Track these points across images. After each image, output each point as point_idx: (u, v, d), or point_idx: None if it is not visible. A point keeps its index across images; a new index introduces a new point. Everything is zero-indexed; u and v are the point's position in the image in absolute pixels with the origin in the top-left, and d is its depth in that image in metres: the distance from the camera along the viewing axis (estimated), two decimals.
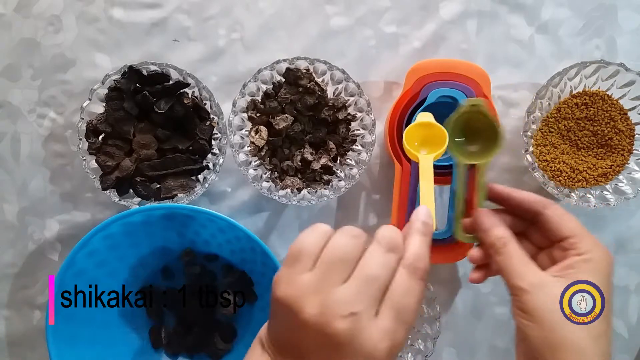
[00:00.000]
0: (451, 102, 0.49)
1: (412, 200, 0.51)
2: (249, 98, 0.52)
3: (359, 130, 0.53)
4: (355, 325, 0.29)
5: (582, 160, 0.54)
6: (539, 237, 0.41)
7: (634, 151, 0.54)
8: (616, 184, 0.54)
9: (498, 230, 0.39)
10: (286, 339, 0.31)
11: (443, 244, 0.51)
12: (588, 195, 0.54)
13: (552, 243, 0.39)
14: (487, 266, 0.42)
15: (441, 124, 0.42)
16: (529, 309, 0.36)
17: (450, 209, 0.51)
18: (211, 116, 0.53)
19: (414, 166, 0.50)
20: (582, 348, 0.35)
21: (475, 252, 0.41)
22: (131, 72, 0.50)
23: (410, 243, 0.33)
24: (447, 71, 0.50)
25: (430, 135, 0.42)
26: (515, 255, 0.38)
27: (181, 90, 0.52)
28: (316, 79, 0.52)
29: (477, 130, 0.41)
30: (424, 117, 0.43)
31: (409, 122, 0.50)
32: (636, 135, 0.53)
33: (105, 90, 0.51)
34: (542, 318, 0.35)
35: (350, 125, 0.53)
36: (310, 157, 0.52)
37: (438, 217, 0.50)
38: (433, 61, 0.51)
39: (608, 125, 0.53)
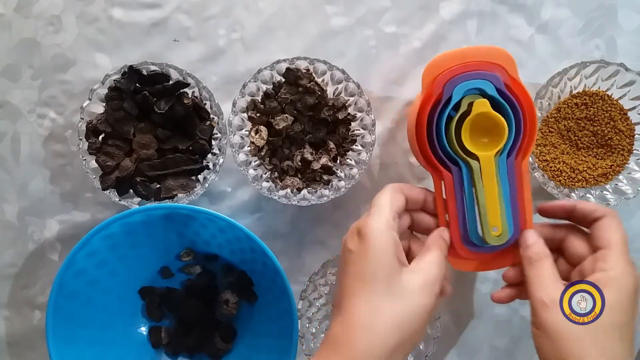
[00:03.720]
0: (478, 94, 0.42)
1: (462, 211, 0.43)
2: (249, 98, 0.52)
3: (359, 130, 0.53)
4: None
5: (582, 160, 0.54)
6: (575, 250, 0.42)
7: (634, 151, 0.54)
8: (616, 184, 0.54)
9: (539, 246, 0.41)
10: None
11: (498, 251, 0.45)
12: (588, 195, 0.54)
13: (585, 257, 0.40)
14: (517, 287, 0.43)
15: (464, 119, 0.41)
16: (545, 323, 0.37)
17: (470, 212, 0.43)
18: (211, 116, 0.53)
19: (456, 172, 0.43)
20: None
21: (510, 271, 0.44)
22: (131, 72, 0.50)
23: None
24: (467, 62, 0.42)
25: (488, 127, 0.41)
26: (547, 270, 0.39)
27: (181, 90, 0.52)
28: (316, 79, 0.52)
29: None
30: (482, 107, 0.41)
31: (438, 127, 0.43)
32: (636, 135, 0.54)
33: (105, 90, 0.51)
34: (554, 332, 0.37)
35: (350, 125, 0.53)
36: (310, 157, 0.52)
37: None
38: (448, 54, 0.43)
39: (608, 125, 0.53)
